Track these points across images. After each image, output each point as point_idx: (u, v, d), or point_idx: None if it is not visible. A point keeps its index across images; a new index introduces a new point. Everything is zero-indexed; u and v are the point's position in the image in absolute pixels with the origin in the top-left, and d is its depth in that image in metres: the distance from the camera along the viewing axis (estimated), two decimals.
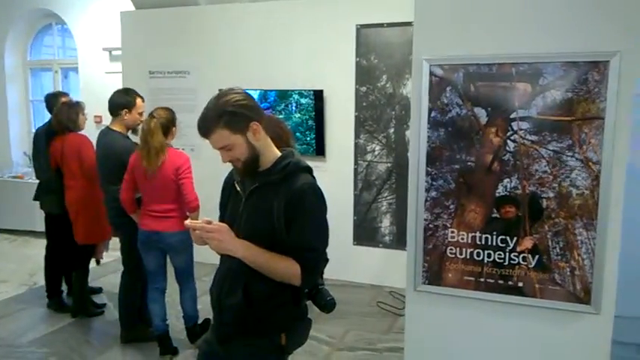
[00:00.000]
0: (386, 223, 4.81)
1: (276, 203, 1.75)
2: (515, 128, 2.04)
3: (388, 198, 4.79)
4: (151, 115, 3.28)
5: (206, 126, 1.73)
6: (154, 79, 5.52)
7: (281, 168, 1.80)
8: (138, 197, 3.37)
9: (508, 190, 2.05)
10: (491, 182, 2.07)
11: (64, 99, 4.14)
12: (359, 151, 4.84)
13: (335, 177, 4.77)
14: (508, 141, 2.05)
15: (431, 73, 2.11)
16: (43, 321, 4.12)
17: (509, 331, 2.11)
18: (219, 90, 1.80)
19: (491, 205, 2.07)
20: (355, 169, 4.85)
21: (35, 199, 4.28)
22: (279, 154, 1.85)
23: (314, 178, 1.86)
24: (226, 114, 1.71)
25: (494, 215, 2.08)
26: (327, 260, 1.83)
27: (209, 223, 1.73)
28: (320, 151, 4.86)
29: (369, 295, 4.57)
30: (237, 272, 1.80)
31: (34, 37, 7.23)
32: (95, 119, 5.98)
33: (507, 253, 2.06)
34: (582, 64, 1.93)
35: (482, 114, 2.07)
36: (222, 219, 1.90)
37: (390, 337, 3.78)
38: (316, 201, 1.79)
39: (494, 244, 2.07)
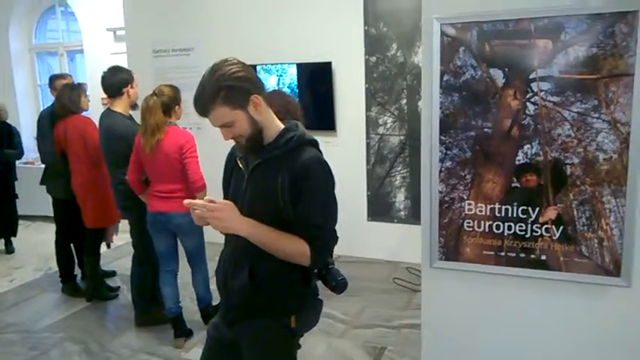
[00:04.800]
0: (400, 198, 4.68)
1: (280, 179, 1.64)
2: (535, 89, 1.88)
3: (402, 172, 4.66)
4: (153, 93, 3.17)
5: (203, 104, 1.61)
6: (158, 58, 5.40)
7: (284, 142, 1.68)
8: (146, 178, 3.29)
9: (529, 156, 1.91)
10: (510, 149, 1.93)
11: (65, 81, 4.05)
12: (370, 124, 4.70)
13: (346, 152, 4.64)
14: (528, 103, 1.90)
15: (442, 33, 1.95)
16: (58, 306, 4.11)
17: (532, 307, 1.99)
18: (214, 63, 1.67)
19: (511, 173, 1.93)
20: (367, 143, 4.71)
21: (42, 183, 4.23)
22: (282, 127, 1.73)
23: (320, 151, 1.75)
24: (224, 89, 1.58)
25: (514, 185, 1.94)
26: (336, 238, 1.72)
27: (212, 202, 1.62)
28: (330, 125, 4.72)
29: (384, 271, 4.48)
30: (243, 252, 1.71)
31: (38, 20, 7.12)
32: (103, 101, 5.86)
33: (529, 225, 1.92)
34: (608, 15, 1.76)
35: (498, 75, 1.92)
36: (226, 198, 1.80)
37: (407, 314, 3.68)
38: (323, 176, 1.68)
39: (514, 215, 1.94)
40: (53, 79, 4.16)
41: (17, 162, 6.32)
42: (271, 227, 1.64)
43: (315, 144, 1.75)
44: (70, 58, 7.12)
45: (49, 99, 7.24)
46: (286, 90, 4.64)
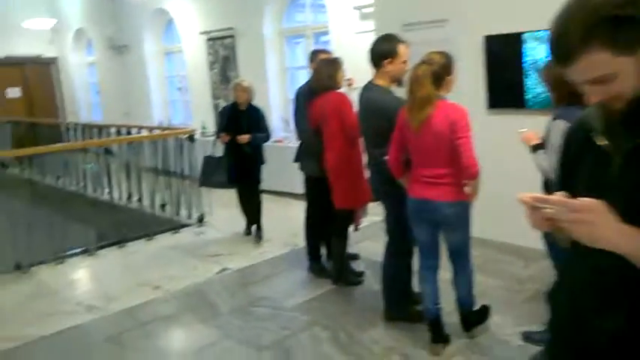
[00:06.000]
0: None
1: None
2: None
3: None
4: (422, 62, 2.76)
5: (568, 46, 1.02)
6: (408, 33, 4.99)
7: None
8: (408, 159, 2.92)
9: None
10: None
11: (323, 56, 3.92)
12: None
13: None
14: None
15: None
16: (305, 285, 4.07)
17: None
18: None
19: None
20: None
21: (296, 160, 4.20)
22: None
23: None
24: (604, 23, 0.99)
25: None
26: None
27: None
28: None
29: None
30: (614, 279, 1.10)
31: (288, 4, 7.41)
32: (347, 82, 5.78)
33: None
34: None
35: None
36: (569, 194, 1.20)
37: None
38: None
39: None
40: (315, 53, 4.07)
41: (268, 141, 6.68)
42: None
43: None
44: (316, 40, 7.25)
45: (296, 82, 7.59)
46: None
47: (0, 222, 4.84)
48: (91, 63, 11.81)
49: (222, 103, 8.34)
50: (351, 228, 3.99)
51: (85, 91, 12.26)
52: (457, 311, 3.05)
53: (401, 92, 3.04)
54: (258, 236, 5.12)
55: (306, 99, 3.86)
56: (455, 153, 2.68)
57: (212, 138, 7.71)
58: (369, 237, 4.65)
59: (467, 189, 2.77)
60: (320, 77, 3.70)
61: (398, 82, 3.11)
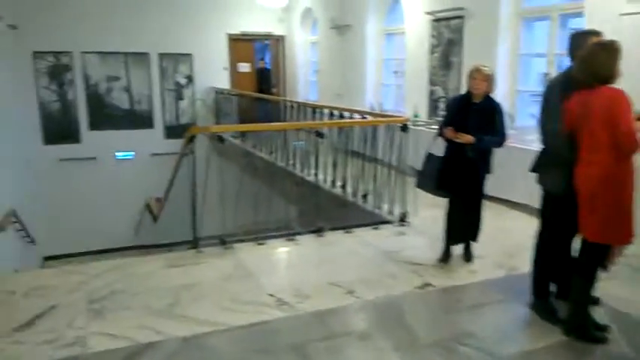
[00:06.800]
0: None
1: None
2: None
3: None
4: None
5: None
6: None
7: None
8: None
9: None
10: None
11: (594, 39, 2.98)
12: None
13: None
14: None
15: None
16: (525, 328, 3.26)
17: None
18: None
19: None
20: None
21: (533, 170, 3.34)
22: None
23: None
24: None
25: None
26: None
27: None
28: None
29: None
30: None
31: None
32: None
33: None
34: None
35: None
36: None
37: None
38: None
39: None
40: (582, 35, 3.13)
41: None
42: None
43: None
44: (562, 23, 6.08)
45: (527, 72, 6.52)
46: None
47: (212, 192, 4.94)
48: (313, 42, 12.09)
49: (439, 91, 7.67)
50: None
51: (305, 69, 12.65)
52: None
53: None
54: (467, 256, 4.26)
55: (563, 93, 2.98)
56: None
57: (423, 127, 7.20)
58: (617, 277, 3.59)
59: None
60: (590, 65, 2.79)
61: None
